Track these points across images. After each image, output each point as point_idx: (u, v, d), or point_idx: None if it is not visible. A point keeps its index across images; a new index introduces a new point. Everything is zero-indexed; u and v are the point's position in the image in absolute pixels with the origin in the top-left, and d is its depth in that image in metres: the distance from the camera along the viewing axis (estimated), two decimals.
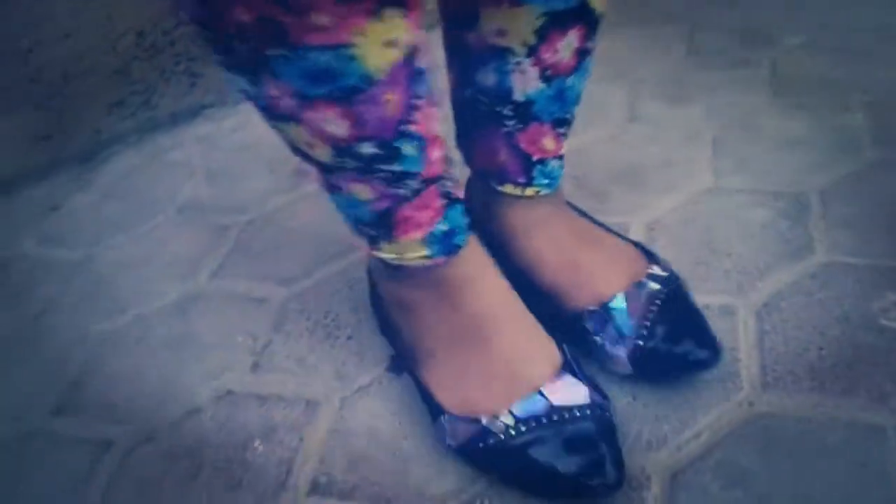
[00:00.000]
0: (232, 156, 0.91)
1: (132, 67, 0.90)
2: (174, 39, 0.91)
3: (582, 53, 0.50)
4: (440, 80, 0.48)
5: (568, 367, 0.52)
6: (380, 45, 0.39)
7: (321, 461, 0.55)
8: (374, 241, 0.51)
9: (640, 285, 0.55)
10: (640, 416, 0.54)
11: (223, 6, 0.37)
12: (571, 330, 0.56)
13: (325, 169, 0.46)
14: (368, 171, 0.45)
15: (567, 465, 0.47)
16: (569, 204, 0.63)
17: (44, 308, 0.74)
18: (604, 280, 0.56)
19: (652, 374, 0.55)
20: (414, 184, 0.46)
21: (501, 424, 0.49)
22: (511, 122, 0.53)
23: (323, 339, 0.65)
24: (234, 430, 0.59)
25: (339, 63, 0.38)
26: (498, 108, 0.53)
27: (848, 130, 0.77)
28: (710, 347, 0.54)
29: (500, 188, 0.57)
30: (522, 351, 0.52)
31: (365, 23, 0.37)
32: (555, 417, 0.49)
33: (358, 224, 0.50)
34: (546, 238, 0.58)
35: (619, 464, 0.48)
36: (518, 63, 0.49)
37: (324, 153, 0.44)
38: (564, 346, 0.53)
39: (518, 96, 0.51)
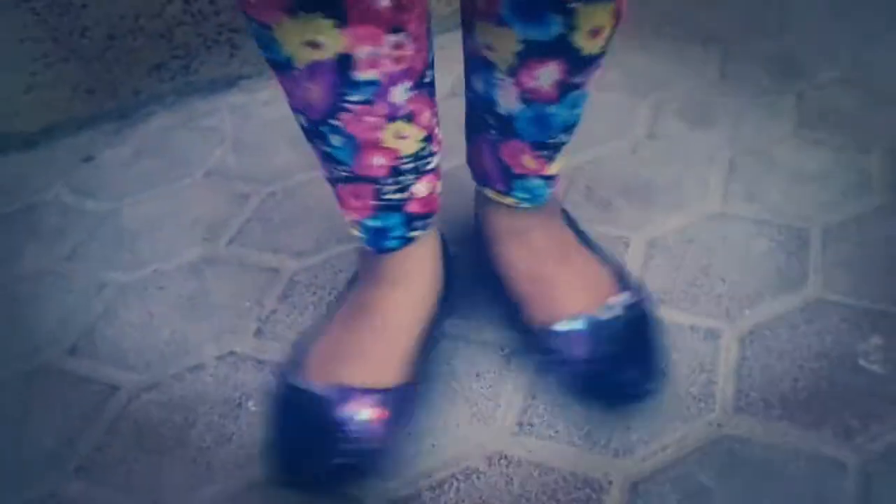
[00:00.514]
0: (261, 128, 0.94)
1: (176, 32, 0.94)
2: (219, 10, 0.94)
3: (566, 87, 0.51)
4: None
5: (384, 393, 0.54)
6: (296, 40, 0.43)
7: None
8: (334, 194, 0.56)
9: (600, 310, 0.57)
10: (612, 423, 0.57)
11: None
12: (531, 341, 0.59)
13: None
14: (309, 137, 0.51)
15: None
16: (564, 211, 0.65)
17: (71, 253, 0.79)
18: (567, 300, 0.58)
19: (597, 396, 0.57)
20: (342, 171, 0.51)
21: (296, 384, 0.55)
22: (494, 132, 0.56)
23: (325, 314, 0.68)
24: (232, 389, 0.62)
25: (266, 39, 0.44)
26: (485, 116, 0.56)
27: (863, 173, 0.78)
28: (653, 379, 0.56)
29: (482, 190, 0.60)
30: (363, 352, 0.55)
31: (281, 17, 0.42)
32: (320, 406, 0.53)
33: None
34: (521, 248, 0.60)
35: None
36: (501, 79, 0.52)
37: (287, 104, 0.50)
38: (413, 391, 0.56)
39: (501, 110, 0.54)
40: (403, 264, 0.56)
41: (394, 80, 0.46)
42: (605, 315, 0.57)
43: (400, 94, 0.47)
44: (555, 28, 0.47)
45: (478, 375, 0.61)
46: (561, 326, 0.57)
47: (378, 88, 0.46)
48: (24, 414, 0.63)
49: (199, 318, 0.69)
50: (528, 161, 0.56)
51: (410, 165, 0.51)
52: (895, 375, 0.58)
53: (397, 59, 0.45)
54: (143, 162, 0.91)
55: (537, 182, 0.58)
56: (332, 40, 0.43)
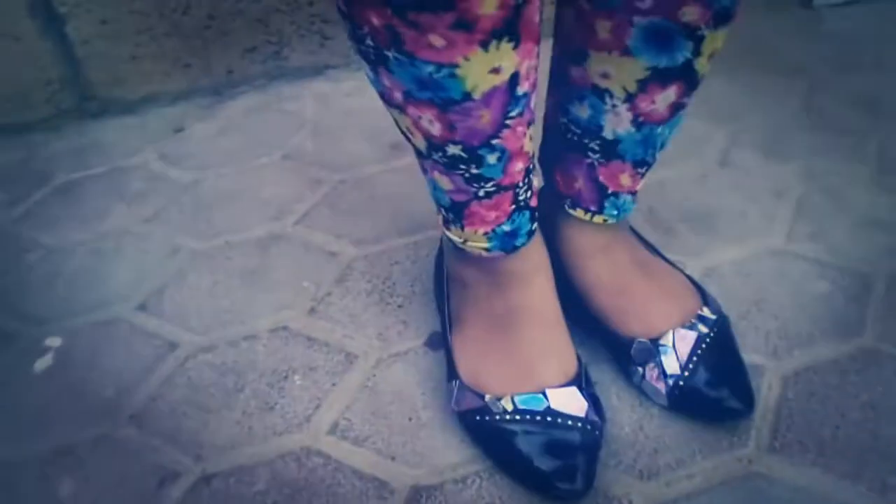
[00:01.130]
0: (341, 117, 0.98)
1: (272, 19, 0.98)
2: (313, 0, 0.98)
3: (677, 107, 0.52)
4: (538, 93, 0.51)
5: (577, 381, 0.55)
6: (483, 70, 0.44)
7: (346, 408, 0.61)
8: (446, 222, 0.56)
9: (689, 326, 0.58)
10: (641, 444, 0.57)
11: (361, 8, 0.42)
12: (618, 354, 0.61)
13: (418, 153, 0.52)
14: (452, 167, 0.50)
15: (544, 462, 0.52)
16: (632, 230, 0.66)
17: (152, 216, 0.84)
18: (655, 314, 0.59)
19: (686, 411, 0.58)
20: (489, 187, 0.51)
21: (501, 407, 0.54)
22: (595, 156, 0.57)
23: (376, 301, 0.71)
24: (281, 362, 0.66)
25: (442, 78, 0.44)
26: (586, 141, 0.56)
27: None
28: (745, 399, 0.56)
29: (571, 211, 0.61)
30: (542, 352, 0.56)
31: (473, 51, 0.42)
32: (548, 418, 0.53)
33: (437, 204, 0.56)
34: (606, 263, 0.61)
35: (589, 477, 0.52)
36: (614, 106, 0.52)
37: (419, 142, 0.50)
38: (583, 362, 0.57)
39: (607, 134, 0.55)
40: (535, 257, 0.58)
41: (533, 87, 0.48)
42: (699, 329, 0.58)
43: (534, 100, 0.49)
44: (683, 55, 0.48)
45: None
46: (656, 341, 0.58)
47: (527, 99, 0.48)
48: (90, 360, 0.68)
49: (259, 291, 0.73)
50: (625, 179, 0.57)
51: (532, 164, 0.54)
52: None
53: (535, 69, 0.47)
54: (228, 138, 0.96)
55: (628, 198, 0.59)
56: (509, 62, 0.44)
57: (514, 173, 0.51)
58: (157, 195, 0.88)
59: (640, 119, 0.53)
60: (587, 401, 0.55)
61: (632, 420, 0.59)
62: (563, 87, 0.56)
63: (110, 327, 0.71)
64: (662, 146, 0.56)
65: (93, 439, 0.61)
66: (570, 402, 0.54)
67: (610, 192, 0.58)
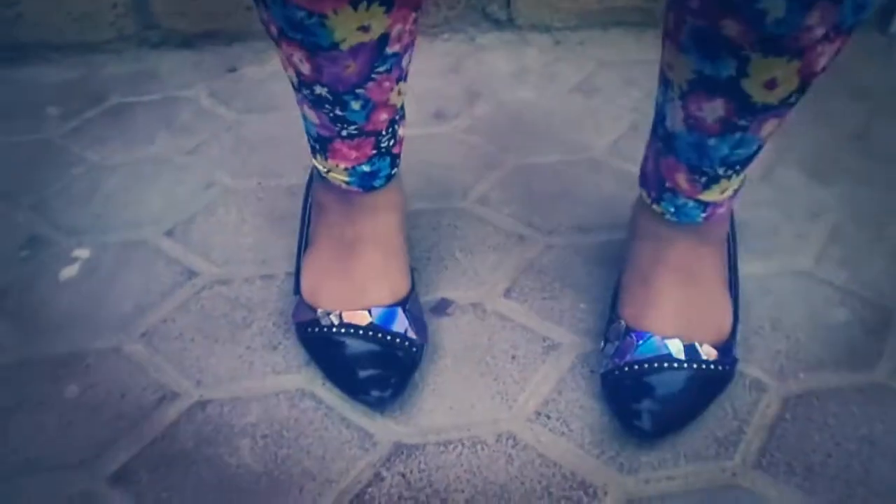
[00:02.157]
0: None
1: None
2: None
3: (730, 125, 0.51)
4: None
5: (403, 303, 0.61)
6: (352, 25, 0.46)
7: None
8: (313, 151, 0.60)
9: (672, 343, 0.57)
10: (626, 438, 0.57)
11: None
12: (612, 332, 0.61)
13: (293, 86, 0.55)
14: (318, 105, 0.54)
15: (362, 370, 0.58)
16: (730, 252, 0.65)
17: (194, 149, 0.87)
18: (653, 316, 0.58)
19: (607, 399, 0.59)
20: (352, 130, 0.55)
21: (329, 321, 0.60)
22: (660, 143, 0.57)
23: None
24: (291, 305, 0.67)
25: (312, 24, 0.46)
26: (657, 125, 0.57)
27: None
28: (658, 427, 0.55)
29: (640, 188, 0.61)
30: (376, 275, 0.61)
31: (342, 6, 0.45)
32: (370, 332, 0.59)
33: (307, 134, 0.60)
34: (650, 250, 0.60)
35: (399, 388, 0.58)
36: (672, 98, 0.52)
37: (292, 76, 0.53)
38: (415, 291, 0.63)
39: (668, 125, 0.54)
40: (389, 196, 0.62)
41: (406, 49, 0.52)
42: (679, 354, 0.57)
43: (406, 60, 0.53)
44: (726, 70, 0.47)
45: (513, 358, 0.63)
46: (635, 332, 0.58)
47: (398, 59, 0.51)
48: (112, 276, 0.70)
49: (284, 235, 0.75)
50: (682, 181, 0.56)
51: (399, 115, 0.57)
52: None
53: (411, 33, 0.51)
54: (277, 84, 0.97)
55: (690, 203, 0.57)
56: (378, 23, 0.47)
57: (377, 122, 0.55)
58: (201, 130, 0.90)
59: (691, 121, 0.52)
60: (408, 320, 0.60)
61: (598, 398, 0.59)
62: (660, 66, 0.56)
63: (136, 248, 0.73)
64: (726, 164, 0.54)
65: (103, 350, 0.64)
66: (391, 319, 0.59)
67: (667, 185, 0.58)
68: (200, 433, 0.57)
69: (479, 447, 0.56)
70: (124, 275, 0.71)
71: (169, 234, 0.75)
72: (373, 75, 0.51)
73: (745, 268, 0.72)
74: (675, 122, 0.53)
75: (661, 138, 0.56)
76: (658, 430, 0.55)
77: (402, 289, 0.62)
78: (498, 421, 0.58)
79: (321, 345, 0.60)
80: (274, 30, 0.50)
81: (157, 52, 1.04)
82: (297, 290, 0.64)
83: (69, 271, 0.71)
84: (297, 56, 0.50)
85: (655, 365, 0.56)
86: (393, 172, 0.60)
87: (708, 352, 0.58)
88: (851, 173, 0.84)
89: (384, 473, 0.55)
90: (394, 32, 0.49)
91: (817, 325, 0.67)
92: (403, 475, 0.54)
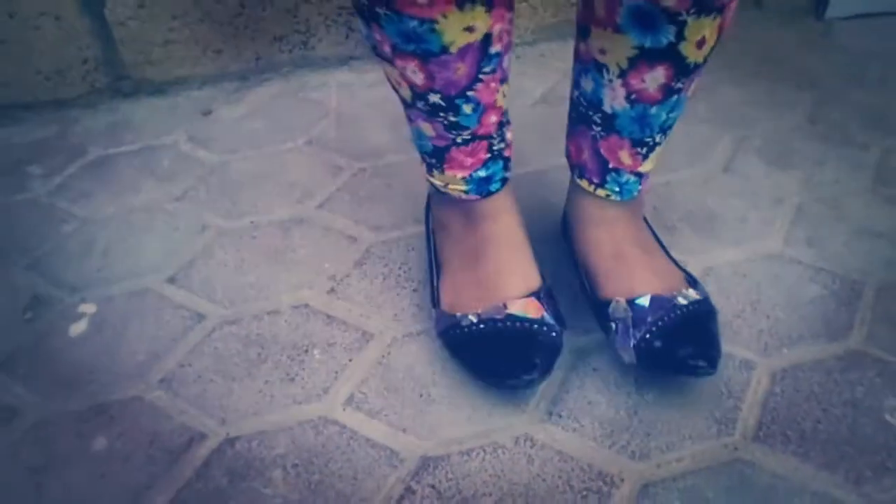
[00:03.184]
0: (363, 107, 1.02)
1: (301, 10, 1.02)
2: None
3: (669, 90, 0.57)
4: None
5: (537, 293, 0.63)
6: (459, 27, 0.51)
7: (361, 382, 0.66)
8: (430, 169, 0.64)
9: (669, 296, 0.62)
10: (634, 428, 0.61)
11: None
12: (600, 316, 0.65)
13: (405, 104, 0.59)
14: (433, 115, 0.57)
15: (505, 357, 0.60)
16: (647, 224, 0.70)
17: (182, 195, 0.89)
18: (639, 279, 0.63)
19: (652, 368, 0.62)
20: (466, 135, 0.59)
21: (468, 320, 0.62)
22: (597, 129, 0.61)
23: (393, 285, 0.75)
24: (301, 336, 0.70)
25: (423, 31, 0.51)
26: (590, 113, 0.61)
27: None
28: (710, 359, 0.59)
29: (578, 181, 0.66)
30: (506, 270, 0.64)
31: (450, 9, 0.49)
32: (507, 322, 0.61)
33: (422, 152, 0.63)
34: (607, 232, 0.66)
35: (545, 369, 0.60)
36: (610, 80, 0.57)
37: (405, 92, 0.57)
38: (547, 281, 0.65)
39: (606, 108, 0.59)
40: (505, 200, 0.66)
41: (506, 49, 0.56)
42: (676, 300, 0.62)
43: (507, 61, 0.57)
44: (666, 37, 0.53)
45: None
46: (633, 301, 0.62)
47: (500, 58, 0.55)
48: (122, 328, 0.72)
49: (282, 269, 0.77)
50: (625, 157, 0.62)
51: (506, 118, 0.61)
52: None
53: (508, 32, 0.55)
54: (254, 123, 1.00)
55: (630, 177, 0.63)
56: (482, 23, 0.51)
57: (488, 124, 0.59)
58: (185, 174, 0.92)
59: (633, 96, 0.57)
60: (545, 307, 0.61)
61: (627, 405, 0.63)
62: (576, 62, 0.62)
63: (142, 297, 0.75)
64: (662, 129, 0.60)
65: (125, 400, 0.65)
66: (527, 308, 0.61)
67: (611, 166, 0.63)
68: (233, 469, 0.60)
69: (499, 451, 0.60)
70: (134, 325, 0.72)
71: (171, 280, 0.77)
72: (480, 76, 0.55)
73: (721, 256, 0.77)
74: (616, 101, 0.58)
75: (599, 123, 0.61)
76: (713, 363, 0.60)
77: (534, 280, 0.64)
78: (514, 425, 0.62)
79: (464, 342, 0.62)
80: (388, 48, 0.53)
81: (130, 102, 1.05)
82: (435, 302, 0.67)
83: (78, 327, 0.73)
84: (412, 67, 0.54)
85: (672, 315, 0.61)
86: (507, 175, 0.64)
87: (692, 293, 0.64)
88: (808, 158, 0.90)
89: (414, 487, 0.58)
90: (495, 32, 0.53)
91: (793, 303, 0.72)
92: (433, 486, 0.58)
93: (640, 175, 0.63)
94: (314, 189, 0.88)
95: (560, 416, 0.62)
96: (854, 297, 0.72)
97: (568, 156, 0.68)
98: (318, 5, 1.02)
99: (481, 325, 0.61)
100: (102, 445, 0.62)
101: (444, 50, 0.52)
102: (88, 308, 0.75)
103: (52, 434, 0.63)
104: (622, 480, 0.58)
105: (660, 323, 0.60)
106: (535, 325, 0.61)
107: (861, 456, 0.59)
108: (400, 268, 0.77)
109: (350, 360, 0.68)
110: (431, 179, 0.65)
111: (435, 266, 0.70)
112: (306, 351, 0.69)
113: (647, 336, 0.60)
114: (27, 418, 0.65)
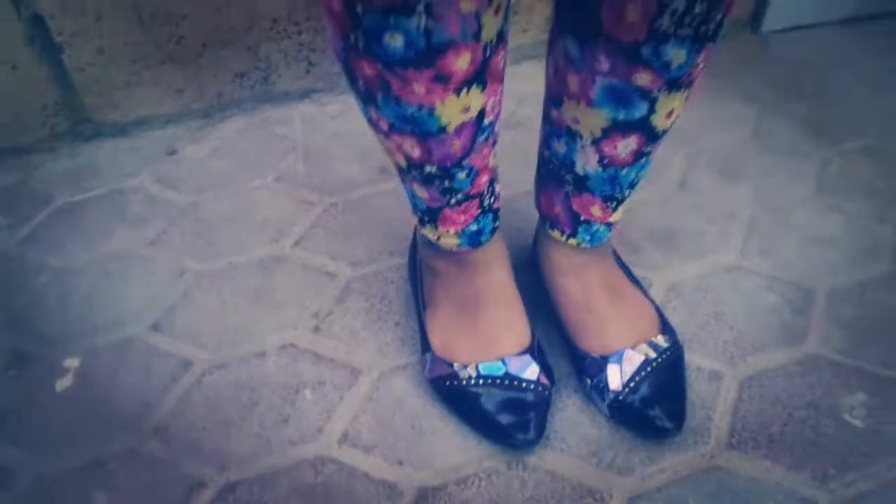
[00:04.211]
0: (329, 140, 1.04)
1: (261, 47, 1.04)
2: (302, 30, 1.04)
3: (639, 154, 0.60)
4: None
5: (531, 350, 0.66)
6: (456, 110, 0.52)
7: (354, 418, 0.68)
8: (422, 223, 0.66)
9: (639, 349, 0.66)
10: (617, 445, 0.65)
11: (358, 61, 0.50)
12: (576, 364, 0.68)
13: (399, 170, 0.61)
14: (428, 182, 0.59)
15: (503, 417, 0.64)
16: (616, 255, 0.74)
17: (155, 239, 0.89)
18: (611, 334, 0.67)
19: (623, 423, 0.66)
20: (460, 196, 0.61)
21: (467, 373, 0.65)
22: (569, 187, 0.64)
23: (375, 319, 0.77)
24: (291, 377, 0.72)
25: (421, 115, 0.52)
26: (562, 173, 0.64)
27: (874, 241, 0.85)
28: (676, 420, 0.64)
29: (550, 231, 0.69)
30: (502, 327, 0.67)
31: (448, 96, 0.51)
32: (506, 381, 0.65)
33: (415, 209, 0.65)
34: (578, 281, 0.69)
35: (540, 429, 0.64)
36: (583, 147, 0.60)
37: (401, 161, 0.59)
38: (537, 334, 0.68)
39: (578, 170, 0.63)
40: (496, 249, 0.69)
41: (497, 116, 0.58)
42: (648, 353, 0.66)
43: (497, 125, 0.59)
44: (639, 112, 0.56)
45: None
46: (606, 358, 0.66)
47: (492, 126, 0.58)
48: (110, 379, 0.73)
49: (265, 310, 0.79)
50: (596, 210, 0.65)
51: (496, 174, 0.64)
52: (874, 431, 0.66)
53: (500, 102, 0.57)
54: (220, 161, 1.01)
55: (601, 227, 0.67)
56: (477, 102, 0.53)
57: (480, 184, 0.61)
58: (157, 218, 0.93)
59: (606, 161, 0.61)
60: (538, 366, 0.65)
61: (608, 423, 0.67)
62: (547, 123, 0.64)
63: (126, 347, 0.76)
64: (631, 186, 0.64)
65: (121, 453, 0.66)
66: (524, 367, 0.65)
67: (582, 219, 0.66)
68: None
69: (494, 477, 0.63)
70: (121, 376, 0.73)
71: (154, 327, 0.78)
72: (474, 147, 0.57)
73: (684, 271, 0.82)
74: (589, 164, 0.62)
75: (572, 182, 0.64)
76: (679, 423, 0.64)
77: (527, 336, 0.67)
78: (505, 450, 0.65)
79: (461, 397, 0.65)
80: (384, 125, 0.54)
81: (91, 145, 1.05)
82: (424, 348, 0.69)
83: (64, 382, 0.73)
84: (408, 143, 0.55)
85: (643, 373, 0.65)
86: (496, 225, 0.67)
87: (662, 340, 0.68)
88: (756, 170, 0.96)
89: None
90: (488, 106, 0.55)
91: (753, 312, 0.77)
92: None
93: (609, 224, 0.67)
94: (288, 226, 0.90)
95: (548, 439, 0.65)
96: (807, 303, 0.78)
97: (538, 207, 0.71)
98: (279, 42, 1.04)
99: (480, 382, 0.65)
100: (103, 501, 0.63)
101: (442, 130, 0.53)
102: (73, 362, 0.75)
103: (52, 493, 0.64)
104: (611, 496, 0.62)
105: (632, 384, 0.64)
106: (532, 386, 0.64)
107: (825, 455, 0.64)
108: (380, 302, 0.79)
109: (341, 398, 0.70)
110: (423, 231, 0.67)
111: (421, 302, 0.72)
112: (297, 391, 0.71)
113: (620, 398, 0.64)
114: (23, 479, 0.65)
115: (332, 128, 1.06)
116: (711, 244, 0.85)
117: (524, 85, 1.12)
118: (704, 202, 0.91)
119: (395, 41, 0.47)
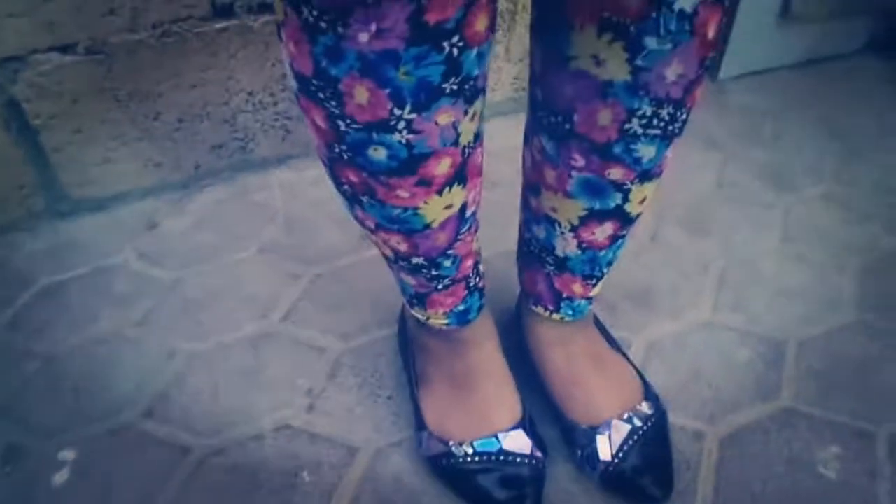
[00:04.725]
0: (309, 207, 1.05)
1: (238, 118, 1.05)
2: (277, 101, 1.06)
3: (615, 237, 0.64)
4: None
5: (523, 423, 0.69)
6: (440, 207, 0.55)
7: (355, 498, 0.70)
8: (411, 305, 0.69)
9: (626, 419, 0.69)
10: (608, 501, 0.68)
11: (342, 169, 0.53)
12: (565, 433, 0.71)
13: (387, 260, 0.64)
14: (415, 271, 0.62)
15: (500, 493, 0.66)
16: (596, 321, 0.77)
17: (142, 319, 0.90)
18: (598, 405, 0.70)
19: (615, 492, 0.69)
20: (447, 282, 0.64)
21: (462, 451, 0.68)
22: (550, 267, 0.68)
23: (368, 394, 0.79)
24: (289, 459, 0.73)
25: (406, 216, 0.55)
26: (543, 255, 0.67)
27: (837, 290, 0.90)
28: (664, 487, 0.67)
29: (533, 308, 0.72)
30: (494, 403, 0.70)
31: (431, 197, 0.54)
32: (501, 458, 0.67)
33: (403, 293, 0.68)
34: (562, 354, 0.72)
35: (537, 502, 0.66)
36: (562, 233, 0.64)
37: (388, 253, 0.62)
38: (527, 407, 0.71)
39: (559, 253, 0.66)
40: (484, 326, 0.71)
41: (478, 205, 0.61)
42: (633, 422, 0.69)
43: (478, 212, 0.62)
44: (613, 201, 0.59)
45: None
46: (594, 430, 0.69)
47: (474, 216, 0.61)
48: (107, 471, 0.73)
49: (258, 390, 0.80)
50: (577, 288, 0.68)
51: (479, 256, 0.66)
52: (845, 483, 0.70)
53: (479, 192, 0.60)
54: (203, 233, 1.02)
55: (582, 302, 0.70)
56: (459, 198, 0.56)
57: (465, 268, 0.64)
58: (142, 296, 0.93)
59: (584, 245, 0.64)
60: (531, 440, 0.68)
61: (602, 492, 0.69)
62: (527, 209, 0.67)
63: (121, 436, 0.77)
64: (609, 264, 0.68)
65: None
66: (518, 442, 0.67)
67: (564, 296, 0.69)
68: None
69: None
70: (119, 466, 0.74)
71: (148, 414, 0.79)
72: (458, 237, 0.59)
73: (660, 329, 0.85)
74: (568, 248, 0.65)
75: (552, 263, 0.68)
76: (668, 490, 0.67)
77: (518, 410, 0.70)
78: None
79: (458, 475, 0.67)
80: (370, 223, 0.57)
81: (70, 222, 1.05)
82: (419, 425, 0.71)
83: (61, 476, 0.73)
84: (395, 239, 0.58)
85: (631, 443, 0.68)
86: (482, 303, 0.69)
87: (646, 407, 0.71)
88: (722, 221, 1.00)
89: None
90: (470, 199, 0.58)
91: (729, 369, 0.81)
92: None
93: (590, 299, 0.70)
94: (275, 300, 0.91)
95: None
96: (779, 356, 0.82)
97: (521, 283, 0.74)
98: (255, 113, 1.06)
99: (476, 459, 0.67)
100: None
101: (427, 227, 0.56)
102: (68, 454, 0.75)
103: None
104: None
105: (620, 454, 0.67)
106: (526, 460, 0.67)
107: None
108: (372, 376, 0.81)
109: (340, 478, 0.71)
110: (412, 313, 0.70)
111: (414, 378, 0.74)
112: (296, 474, 0.72)
113: (611, 469, 0.67)
114: None
115: (312, 195, 1.08)
116: (685, 300, 0.89)
117: (497, 142, 1.14)
118: (675, 257, 0.95)
119: (379, 154, 0.50)
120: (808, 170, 1.09)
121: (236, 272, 0.96)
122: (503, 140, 1.08)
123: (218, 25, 0.96)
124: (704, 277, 0.92)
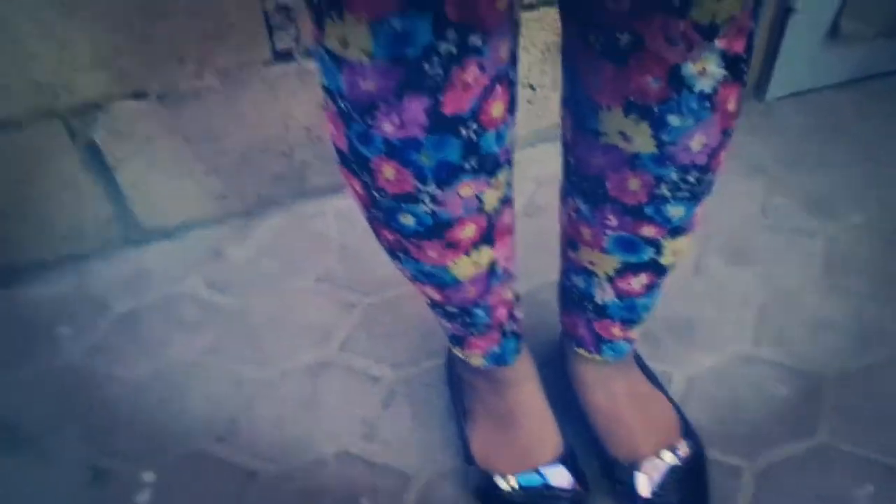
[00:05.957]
0: (363, 235, 1.10)
1: (296, 151, 1.11)
2: None
3: (651, 286, 0.68)
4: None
5: (564, 459, 0.73)
6: (469, 266, 0.61)
7: None
8: (452, 343, 0.75)
9: (665, 457, 0.73)
10: None
11: (378, 226, 0.59)
12: (606, 468, 0.75)
13: (427, 303, 0.69)
14: (450, 317, 0.68)
15: None
16: (638, 358, 0.81)
17: (211, 347, 0.97)
18: (638, 442, 0.74)
19: None
20: (481, 328, 0.69)
21: (507, 485, 0.72)
22: (591, 314, 0.72)
23: (420, 425, 0.84)
24: (348, 485, 0.79)
25: (437, 271, 0.61)
26: (583, 302, 0.71)
27: (879, 324, 0.91)
28: None
29: (577, 349, 0.76)
30: (535, 439, 0.74)
31: (460, 257, 0.59)
32: (545, 492, 0.72)
33: (444, 331, 0.74)
34: (605, 393, 0.76)
35: None
36: (600, 283, 0.68)
37: (426, 299, 0.67)
38: (569, 442, 0.75)
39: (598, 300, 0.70)
40: (523, 367, 0.76)
41: (511, 261, 0.66)
42: (672, 460, 0.73)
43: (512, 267, 0.67)
44: (647, 255, 0.64)
45: None
46: (634, 466, 0.73)
47: (505, 272, 0.65)
48: (186, 490, 0.81)
49: (318, 419, 0.86)
50: (617, 331, 0.73)
51: (516, 304, 0.71)
52: None
53: (512, 249, 0.65)
54: (264, 262, 1.09)
55: (623, 344, 0.74)
56: (487, 257, 0.61)
57: (499, 316, 0.69)
58: (210, 323, 1.00)
59: (622, 294, 0.68)
60: (573, 475, 0.73)
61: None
62: (566, 261, 0.72)
63: (197, 460, 0.84)
64: (647, 309, 0.71)
65: None
66: (560, 477, 0.72)
67: (605, 339, 0.73)
68: None
69: None
70: (195, 488, 0.81)
71: (220, 439, 0.85)
72: (489, 290, 0.65)
73: (701, 363, 0.88)
74: (606, 296, 0.69)
75: (592, 310, 0.72)
76: None
77: (560, 446, 0.74)
78: None
79: None
80: (407, 274, 0.64)
81: (141, 249, 1.12)
82: (468, 459, 0.76)
83: (143, 498, 0.81)
84: (429, 290, 0.64)
85: (669, 480, 0.72)
86: (519, 347, 0.74)
87: (685, 446, 0.74)
88: (765, 252, 1.02)
89: None
90: (500, 258, 0.63)
91: (768, 404, 0.83)
92: None
93: (631, 340, 0.74)
94: (332, 329, 0.97)
95: None
96: (817, 391, 0.84)
97: (563, 327, 0.79)
98: (312, 146, 1.12)
99: (521, 492, 0.72)
100: None
101: (457, 282, 0.62)
102: (149, 476, 0.83)
103: None
104: None
105: (660, 491, 0.71)
106: (568, 494, 0.71)
107: None
108: (423, 406, 0.86)
109: None
110: (453, 349, 0.75)
111: (462, 412, 0.79)
112: (356, 500, 0.78)
113: None
114: None
115: (363, 223, 1.12)
116: (727, 334, 0.92)
117: (541, 169, 1.18)
118: (716, 290, 0.97)
119: (408, 220, 0.55)
120: (850, 198, 1.10)
121: (296, 301, 1.02)
122: (549, 167, 1.10)
123: (278, 68, 1.02)
124: (745, 309, 0.94)
